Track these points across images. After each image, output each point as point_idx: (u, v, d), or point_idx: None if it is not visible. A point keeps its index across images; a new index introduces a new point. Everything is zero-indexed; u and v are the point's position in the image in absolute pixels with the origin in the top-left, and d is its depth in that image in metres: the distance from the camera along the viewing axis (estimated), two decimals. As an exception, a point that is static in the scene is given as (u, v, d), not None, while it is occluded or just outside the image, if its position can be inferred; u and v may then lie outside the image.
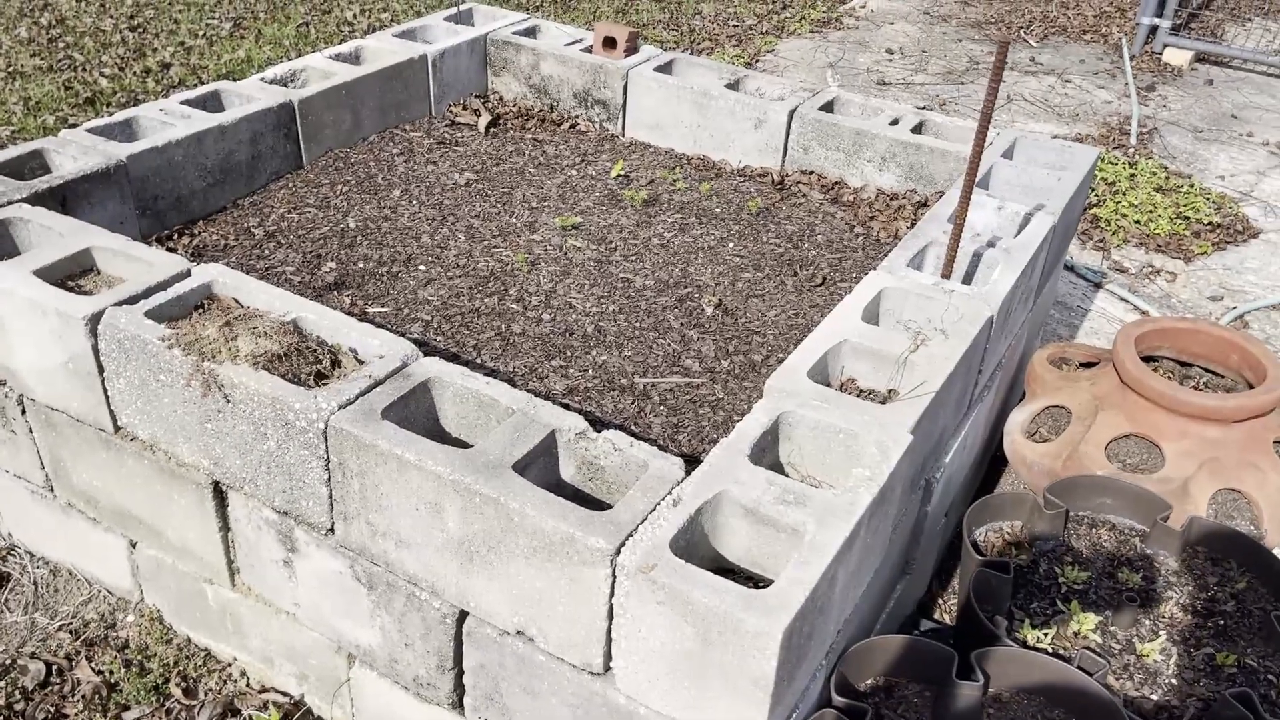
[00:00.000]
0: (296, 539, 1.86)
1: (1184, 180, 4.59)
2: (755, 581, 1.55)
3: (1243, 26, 6.73)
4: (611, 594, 1.48)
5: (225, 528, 1.97)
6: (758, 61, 5.75)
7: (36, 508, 2.31)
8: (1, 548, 2.45)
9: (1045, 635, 1.87)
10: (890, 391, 1.86)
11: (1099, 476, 2.17)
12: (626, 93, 3.10)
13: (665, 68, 3.13)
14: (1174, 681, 1.82)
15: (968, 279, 2.21)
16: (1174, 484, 2.21)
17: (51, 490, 2.24)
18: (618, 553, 1.45)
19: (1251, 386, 2.37)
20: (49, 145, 2.36)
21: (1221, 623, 1.93)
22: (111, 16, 5.54)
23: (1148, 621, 1.93)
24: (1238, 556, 2.05)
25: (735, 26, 6.27)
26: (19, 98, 4.51)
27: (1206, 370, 2.50)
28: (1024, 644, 1.86)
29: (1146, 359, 2.49)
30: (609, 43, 3.14)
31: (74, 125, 4.29)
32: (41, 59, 4.93)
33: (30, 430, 2.15)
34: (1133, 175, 4.56)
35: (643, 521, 1.49)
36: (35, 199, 2.19)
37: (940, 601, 2.50)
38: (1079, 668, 1.73)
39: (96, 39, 5.23)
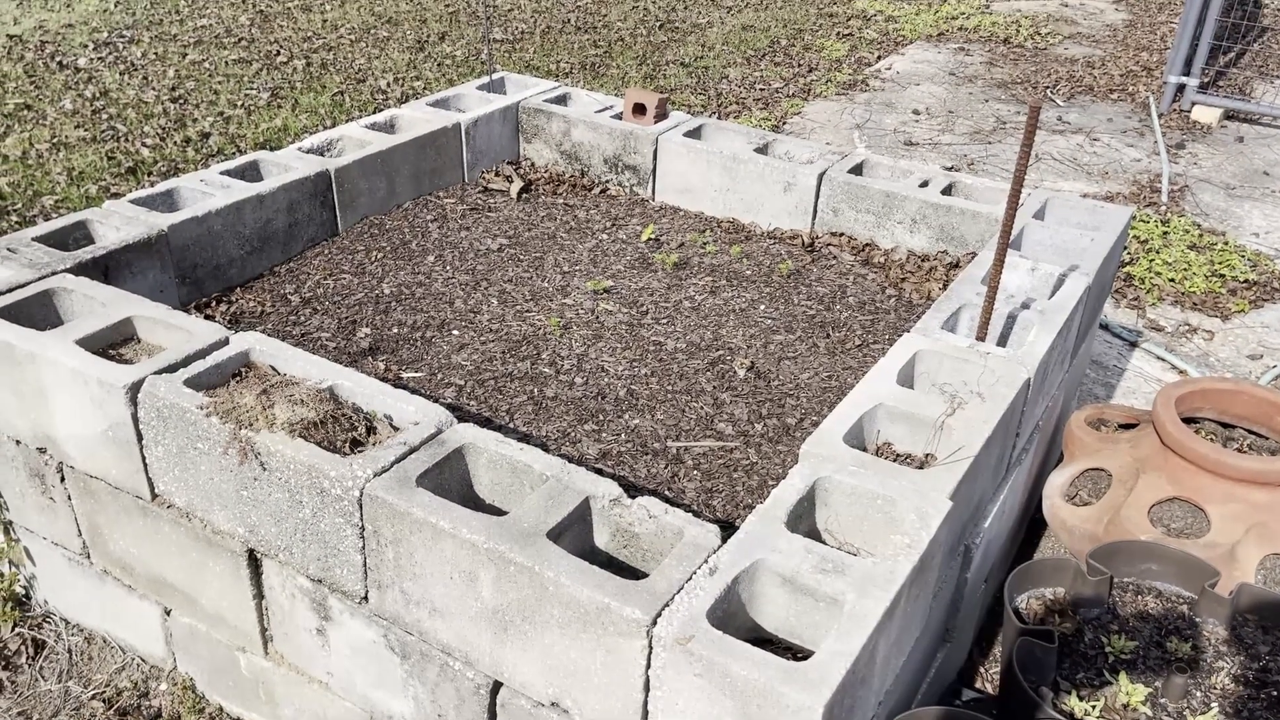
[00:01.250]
0: (330, 607, 1.85)
1: (1218, 237, 4.56)
2: (794, 653, 1.52)
3: (1271, 84, 6.73)
4: (648, 665, 1.46)
5: (259, 595, 1.97)
6: (785, 124, 5.81)
7: (73, 575, 2.32)
8: (37, 615, 2.46)
9: (1093, 707, 1.82)
10: (927, 456, 1.84)
11: (1143, 542, 2.12)
12: (656, 158, 3.14)
13: (694, 133, 3.16)
14: (1229, 756, 1.76)
15: (1003, 341, 2.19)
16: (1221, 549, 2.16)
17: (88, 557, 2.25)
18: (654, 623, 1.43)
19: (1297, 448, 2.33)
20: (93, 216, 2.41)
21: (1275, 694, 1.87)
22: (154, 88, 5.69)
23: (1199, 693, 1.88)
24: (1290, 624, 1.99)
25: (762, 90, 6.35)
26: (63, 168, 4.62)
27: (1250, 432, 2.45)
28: (1070, 716, 1.81)
29: (1187, 420, 2.45)
30: (639, 109, 3.18)
31: (116, 195, 4.39)
32: (85, 130, 5.07)
33: (69, 497, 2.17)
34: (1165, 233, 4.54)
35: (679, 591, 1.48)
36: (79, 269, 2.23)
37: (981, 670, 2.45)
38: (1129, 742, 1.68)
39: (139, 110, 5.37)
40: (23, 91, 5.56)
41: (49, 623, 2.44)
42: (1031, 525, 2.79)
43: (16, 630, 2.41)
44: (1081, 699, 1.84)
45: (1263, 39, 7.71)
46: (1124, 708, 1.83)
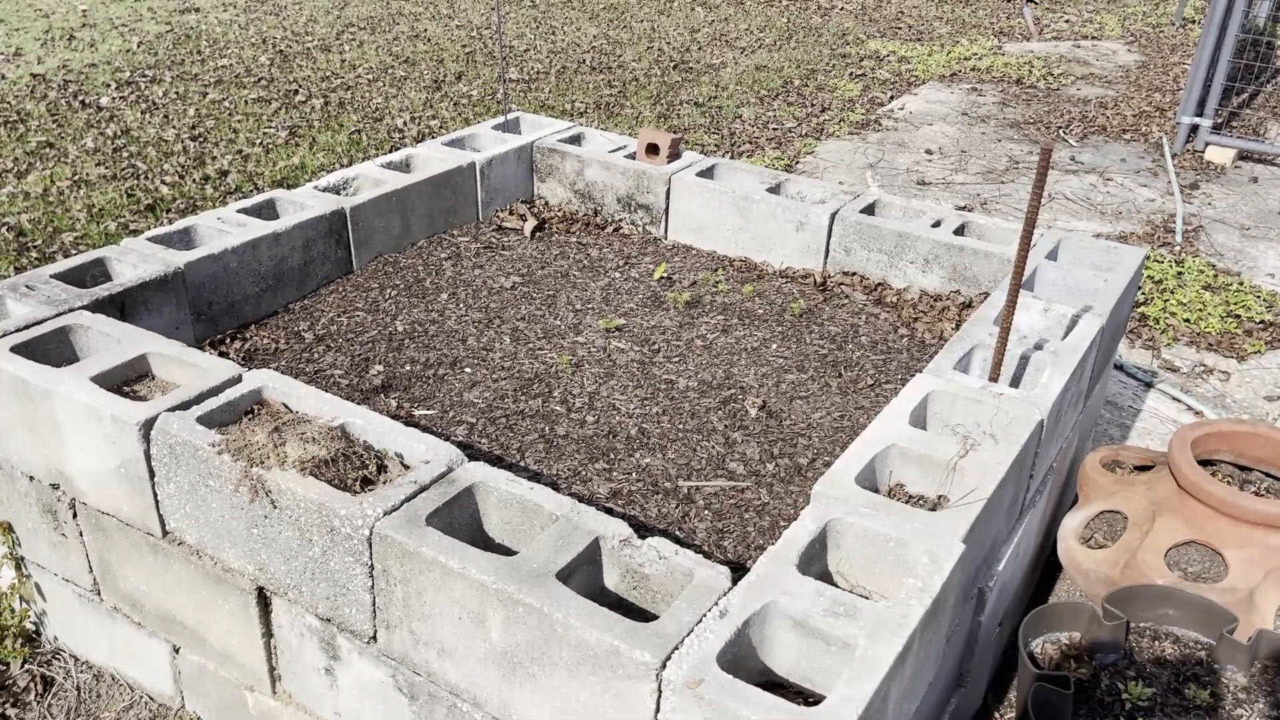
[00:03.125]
0: (339, 647, 1.85)
1: (1233, 278, 4.55)
2: (805, 697, 1.50)
3: (1285, 124, 6.73)
4: (657, 710, 1.44)
5: (268, 634, 1.96)
6: (797, 163, 5.84)
7: (83, 612, 2.32)
8: (47, 651, 2.46)
9: (1110, 755, 1.79)
10: (940, 498, 1.83)
11: (1160, 586, 2.10)
12: (669, 197, 3.15)
13: (707, 172, 3.18)
14: (1250, 807, 1.73)
15: (1015, 382, 2.18)
16: (1239, 594, 2.13)
17: (99, 594, 2.24)
18: (663, 666, 1.42)
19: (1315, 491, 2.30)
20: (110, 254, 2.44)
21: (1297, 743, 1.83)
22: (174, 127, 5.77)
23: (1218, 741, 1.85)
24: (1311, 672, 1.96)
25: (775, 129, 6.39)
26: (83, 205, 4.68)
27: (1267, 475, 2.43)
28: (1087, 764, 1.78)
29: (1204, 463, 2.42)
30: (652, 149, 3.20)
31: (135, 232, 4.44)
32: (106, 168, 5.13)
33: (80, 534, 2.17)
34: (1180, 273, 4.53)
35: (689, 634, 1.46)
36: (95, 306, 2.25)
37: (996, 715, 2.41)
38: (1147, 791, 1.65)
39: (159, 148, 5.44)
40: (45, 130, 5.64)
41: (58, 659, 2.44)
42: (1046, 568, 2.77)
43: (26, 667, 2.40)
44: (1098, 747, 1.81)
45: (1276, 80, 7.72)
46: (1142, 756, 1.80)
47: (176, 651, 2.19)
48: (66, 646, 2.45)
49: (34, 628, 2.49)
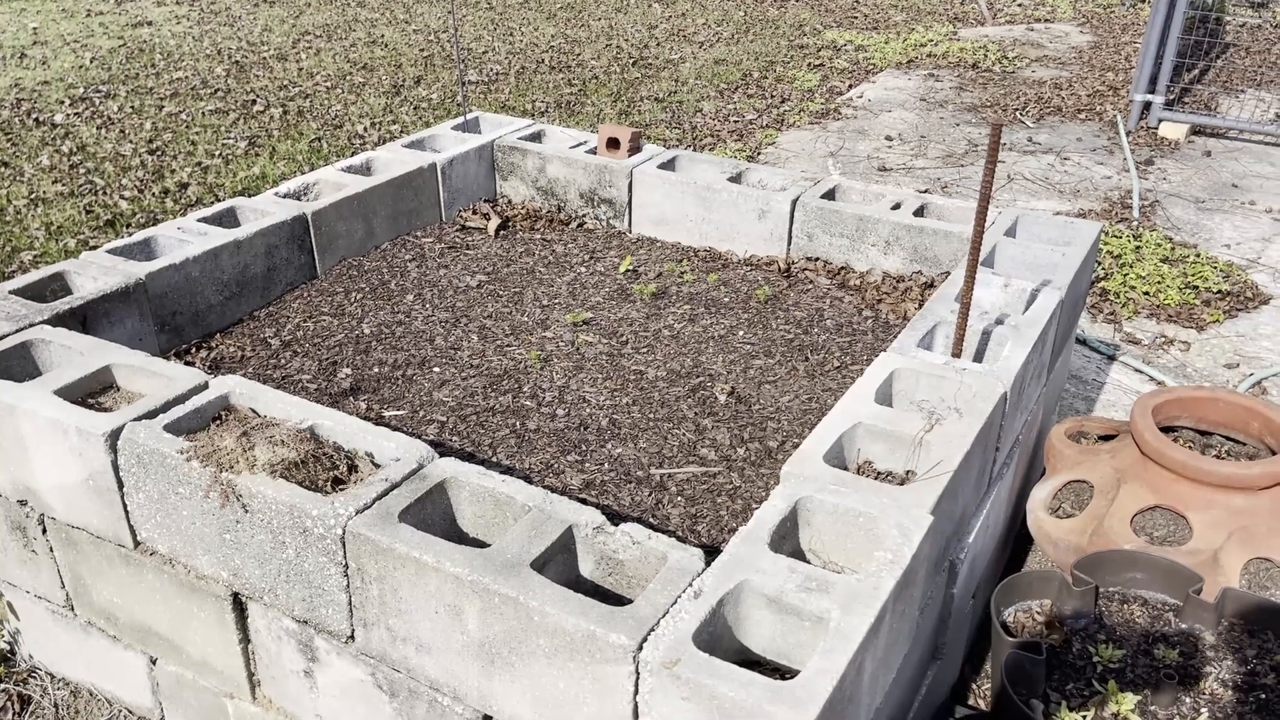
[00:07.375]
0: (317, 648, 1.85)
1: (1190, 250, 4.62)
2: (782, 673, 1.52)
3: (1235, 98, 6.84)
4: (636, 691, 1.45)
5: (245, 639, 1.96)
6: (759, 154, 5.87)
7: (57, 628, 2.30)
8: (22, 670, 2.43)
9: (1084, 717, 1.83)
10: (908, 473, 1.85)
11: (1127, 551, 2.14)
12: (632, 190, 3.17)
13: (668, 165, 3.20)
14: (1221, 761, 1.77)
15: (979, 357, 2.21)
16: (1204, 555, 2.17)
17: (72, 609, 2.23)
18: (640, 649, 1.43)
19: (1274, 453, 2.35)
20: (70, 267, 2.42)
21: (1263, 696, 1.87)
22: (131, 142, 5.72)
23: (1188, 699, 1.88)
24: (1275, 627, 2.00)
25: (736, 122, 6.42)
26: (41, 223, 4.63)
27: (1227, 439, 2.48)
28: (1062, 727, 1.81)
29: (1166, 429, 2.47)
30: (613, 144, 3.22)
31: (94, 247, 4.39)
32: (63, 185, 5.08)
33: (51, 549, 2.15)
34: (1138, 248, 4.59)
35: (664, 615, 1.48)
36: (56, 320, 2.23)
37: (974, 686, 2.44)
38: (1121, 750, 1.68)
39: (116, 163, 5.39)
40: (-1, 149, 5.58)
41: (34, 678, 2.42)
42: (1018, 541, 2.80)
43: (2, 687, 2.38)
44: (1072, 709, 1.84)
45: (1225, 55, 7.85)
46: (1114, 716, 1.83)
47: (154, 663, 2.17)
48: (42, 664, 2.43)
49: (8, 647, 2.47)
